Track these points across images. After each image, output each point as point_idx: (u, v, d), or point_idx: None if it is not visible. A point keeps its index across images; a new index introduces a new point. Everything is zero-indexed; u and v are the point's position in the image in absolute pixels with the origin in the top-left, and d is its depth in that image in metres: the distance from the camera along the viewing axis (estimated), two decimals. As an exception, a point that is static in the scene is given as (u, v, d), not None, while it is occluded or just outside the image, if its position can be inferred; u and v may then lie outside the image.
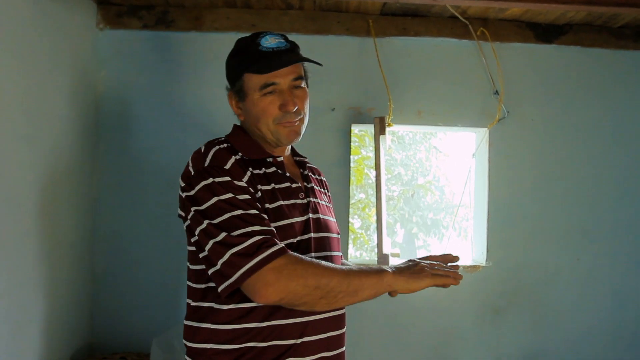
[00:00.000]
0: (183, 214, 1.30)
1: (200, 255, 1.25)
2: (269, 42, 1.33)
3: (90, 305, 2.49)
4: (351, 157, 2.69)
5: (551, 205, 2.69)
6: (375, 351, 2.60)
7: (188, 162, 1.31)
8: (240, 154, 1.32)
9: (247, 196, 1.23)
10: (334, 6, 2.55)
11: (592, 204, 2.71)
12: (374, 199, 7.09)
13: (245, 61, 1.33)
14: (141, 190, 2.52)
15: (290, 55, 1.34)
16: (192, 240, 1.27)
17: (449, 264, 1.52)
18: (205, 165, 1.27)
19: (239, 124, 1.45)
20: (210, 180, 1.23)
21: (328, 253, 1.40)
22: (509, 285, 2.67)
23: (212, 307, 1.26)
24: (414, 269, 1.27)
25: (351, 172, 2.70)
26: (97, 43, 2.53)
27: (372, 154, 6.12)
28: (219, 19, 2.56)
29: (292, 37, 2.58)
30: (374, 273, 1.24)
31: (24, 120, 1.89)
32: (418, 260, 1.32)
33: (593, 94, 2.72)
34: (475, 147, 2.81)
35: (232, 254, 1.16)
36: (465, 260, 2.79)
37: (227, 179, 1.24)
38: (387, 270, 1.24)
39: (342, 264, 1.69)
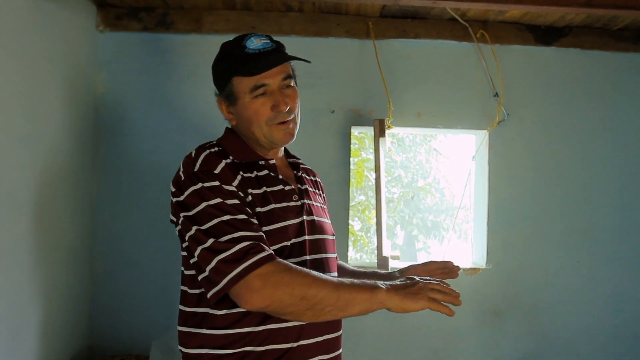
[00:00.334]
0: (175, 219, 1.30)
1: (191, 261, 1.25)
2: (255, 43, 1.32)
3: (89, 308, 2.49)
4: (351, 159, 2.69)
5: (551, 208, 2.69)
6: (374, 354, 2.60)
7: (179, 166, 1.31)
8: (231, 157, 1.31)
9: (236, 201, 1.22)
10: (334, 8, 2.55)
11: (592, 206, 2.71)
12: (373, 201, 7.09)
13: (233, 65, 1.32)
14: (140, 192, 2.52)
15: (277, 55, 1.33)
16: (184, 245, 1.27)
17: (446, 275, 1.56)
18: (195, 170, 1.26)
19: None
20: (200, 185, 1.23)
21: (323, 255, 1.39)
22: (509, 287, 2.66)
23: (207, 313, 1.25)
24: (410, 289, 1.20)
25: (351, 174, 2.70)
26: (97, 45, 2.53)
27: (372, 156, 6.12)
28: (218, 21, 2.56)
29: (291, 39, 2.61)
30: (367, 289, 1.19)
31: (23, 122, 1.89)
32: (418, 279, 1.24)
33: (593, 97, 2.72)
34: (475, 149, 2.81)
35: (219, 261, 1.16)
36: (465, 262, 2.79)
37: (216, 183, 1.23)
38: (381, 287, 1.19)
39: (342, 267, 1.69)
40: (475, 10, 2.48)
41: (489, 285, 2.65)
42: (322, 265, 1.37)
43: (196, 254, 1.20)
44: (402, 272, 1.57)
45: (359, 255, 7.18)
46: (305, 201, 1.39)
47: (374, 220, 3.19)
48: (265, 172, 1.36)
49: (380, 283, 1.21)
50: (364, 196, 8.08)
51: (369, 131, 2.80)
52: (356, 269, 1.67)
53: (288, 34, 2.58)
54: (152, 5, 2.52)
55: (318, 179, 1.61)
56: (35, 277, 1.97)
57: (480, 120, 2.68)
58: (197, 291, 1.27)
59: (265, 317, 1.23)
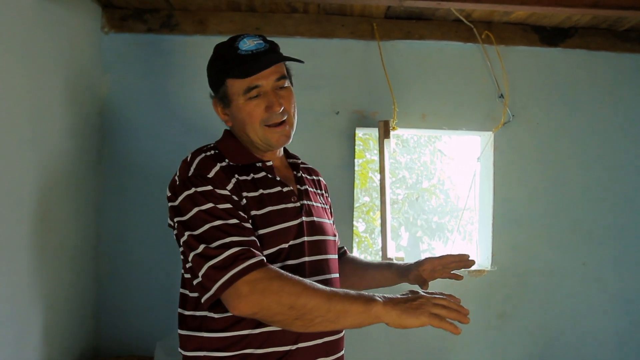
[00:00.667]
0: (172, 224, 1.30)
1: (187, 266, 1.25)
2: (247, 44, 1.31)
3: (93, 309, 2.49)
4: (355, 160, 2.68)
5: (557, 209, 2.68)
6: (377, 356, 2.59)
7: (176, 170, 1.31)
8: (227, 160, 1.31)
9: (228, 205, 1.22)
10: (339, 10, 2.55)
11: (598, 208, 2.69)
12: (378, 203, 7.08)
13: (226, 67, 1.32)
14: (145, 193, 2.52)
15: (270, 55, 1.32)
16: (180, 250, 1.27)
17: (460, 265, 1.53)
18: (190, 174, 1.26)
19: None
20: (193, 190, 1.23)
21: (323, 256, 1.38)
22: (514, 289, 2.65)
23: (206, 316, 1.25)
24: (411, 303, 1.12)
25: (355, 175, 2.69)
26: (102, 46, 2.54)
27: (376, 157, 6.10)
28: (223, 22, 2.56)
29: (296, 40, 2.61)
30: (362, 301, 1.13)
31: (28, 123, 1.89)
32: (422, 293, 1.17)
33: (598, 98, 2.71)
34: (480, 150, 2.80)
35: (209, 267, 1.16)
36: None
37: (209, 188, 1.23)
38: (378, 300, 1.13)
39: (355, 260, 1.68)
40: (480, 11, 2.48)
41: (493, 287, 2.64)
42: (321, 267, 1.36)
43: (189, 259, 1.21)
44: (418, 264, 1.55)
45: (363, 257, 7.18)
46: (305, 202, 1.39)
47: (379, 221, 3.18)
48: (263, 174, 1.35)
49: (378, 296, 1.14)
50: (369, 197, 8.07)
51: (374, 132, 2.80)
52: (371, 261, 1.67)
53: (292, 35, 2.58)
54: (157, 6, 2.53)
55: (320, 178, 1.60)
56: (40, 278, 1.97)
57: (485, 121, 2.67)
58: (196, 294, 1.27)
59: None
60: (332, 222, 1.53)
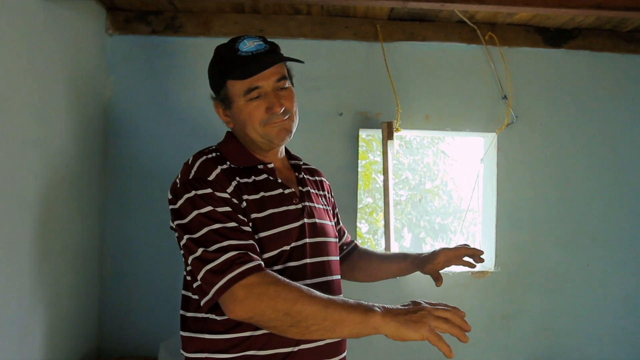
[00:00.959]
0: (173, 226, 1.30)
1: (188, 269, 1.25)
2: (247, 46, 1.32)
3: (97, 309, 2.50)
4: (359, 161, 2.69)
5: (560, 211, 2.68)
6: (379, 357, 2.59)
7: (178, 173, 1.31)
8: (228, 162, 1.31)
9: (227, 208, 1.22)
10: (342, 11, 2.56)
11: (602, 209, 2.69)
12: (381, 204, 7.07)
13: (226, 68, 1.32)
14: (148, 194, 2.53)
15: (270, 56, 1.32)
16: (182, 252, 1.28)
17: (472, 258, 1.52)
18: (190, 177, 1.26)
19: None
20: (193, 193, 1.23)
21: (325, 258, 1.38)
22: (518, 291, 2.65)
23: (208, 318, 1.26)
24: (411, 315, 1.09)
25: (359, 176, 2.69)
26: (106, 48, 2.55)
27: (379, 159, 6.10)
28: (227, 24, 2.57)
29: (299, 42, 2.62)
30: (360, 311, 1.10)
31: (33, 124, 1.90)
32: (424, 305, 1.13)
33: (602, 99, 2.71)
34: (483, 151, 2.80)
35: (207, 271, 1.16)
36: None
37: (209, 191, 1.23)
38: (377, 311, 1.10)
39: (366, 252, 1.69)
40: (483, 12, 2.48)
41: (497, 288, 2.64)
42: (323, 268, 1.37)
43: (189, 262, 1.21)
44: (433, 256, 1.55)
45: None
46: (307, 204, 1.39)
47: (382, 222, 3.18)
48: (264, 176, 1.35)
49: (377, 306, 1.12)
50: (372, 198, 8.06)
51: (377, 134, 2.80)
52: (385, 252, 1.67)
53: (296, 36, 2.58)
54: (161, 8, 2.54)
55: (323, 179, 1.60)
56: (43, 279, 1.98)
57: (488, 122, 2.67)
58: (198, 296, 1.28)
59: None
60: (333, 224, 1.53)
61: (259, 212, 1.28)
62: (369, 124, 2.62)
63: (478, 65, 2.67)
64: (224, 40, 1.39)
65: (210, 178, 1.25)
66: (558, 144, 2.69)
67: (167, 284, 2.50)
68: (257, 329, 1.23)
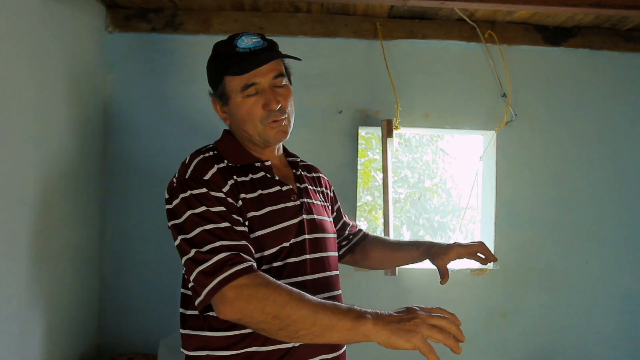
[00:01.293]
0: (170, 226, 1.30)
1: (183, 270, 1.25)
2: (245, 42, 1.32)
3: (97, 307, 2.51)
4: (358, 159, 2.69)
5: (559, 208, 2.68)
6: (379, 353, 2.59)
7: (175, 172, 1.31)
8: (225, 161, 1.31)
9: (222, 208, 1.21)
10: (342, 9, 2.56)
11: (601, 206, 2.70)
12: (380, 202, 7.07)
13: (224, 64, 1.33)
14: (148, 192, 2.53)
15: (268, 53, 1.32)
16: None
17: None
18: (186, 177, 1.26)
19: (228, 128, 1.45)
20: (188, 193, 1.23)
21: (324, 254, 1.38)
22: (516, 288, 2.66)
23: (207, 315, 1.25)
24: (404, 323, 1.04)
25: (358, 174, 2.70)
26: (106, 46, 2.55)
27: (378, 156, 6.11)
28: (227, 21, 2.57)
29: (299, 39, 2.62)
30: (351, 317, 1.07)
31: (33, 122, 1.90)
32: (419, 312, 1.07)
33: (601, 97, 2.71)
34: (482, 149, 2.80)
35: (199, 272, 1.16)
36: (472, 263, 2.78)
37: (204, 190, 1.23)
38: (368, 317, 1.06)
39: (377, 240, 1.68)
40: (483, 10, 2.48)
41: (496, 285, 2.65)
42: (322, 264, 1.37)
43: (182, 263, 1.21)
44: (445, 250, 1.51)
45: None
46: (305, 200, 1.39)
47: (381, 220, 3.19)
48: (262, 174, 1.35)
49: (370, 312, 1.07)
50: (371, 196, 8.06)
51: (376, 131, 2.80)
52: (397, 240, 1.67)
53: (296, 34, 2.59)
54: (161, 6, 2.54)
55: (321, 175, 1.60)
56: (43, 277, 1.98)
57: (488, 120, 2.67)
58: None
59: None
60: (332, 220, 1.54)
61: (257, 210, 1.28)
62: (369, 121, 2.63)
63: (477, 63, 2.67)
64: (224, 38, 1.39)
65: (206, 177, 1.25)
66: (557, 141, 2.69)
67: (166, 281, 2.51)
68: None
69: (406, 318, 1.05)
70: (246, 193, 1.28)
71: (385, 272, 2.46)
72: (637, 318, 2.70)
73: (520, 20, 2.62)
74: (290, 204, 1.34)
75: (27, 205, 1.86)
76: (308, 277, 1.32)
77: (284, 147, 1.52)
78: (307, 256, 1.33)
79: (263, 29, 2.57)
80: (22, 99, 1.82)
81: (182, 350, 1.33)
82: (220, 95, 1.38)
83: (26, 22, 1.84)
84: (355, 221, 1.81)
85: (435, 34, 2.64)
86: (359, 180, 2.72)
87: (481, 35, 2.62)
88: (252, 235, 1.26)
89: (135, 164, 2.55)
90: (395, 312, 1.08)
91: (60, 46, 2.10)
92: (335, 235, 1.51)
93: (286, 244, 1.29)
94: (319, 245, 1.37)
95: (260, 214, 1.28)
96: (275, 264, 1.28)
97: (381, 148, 2.63)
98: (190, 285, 1.21)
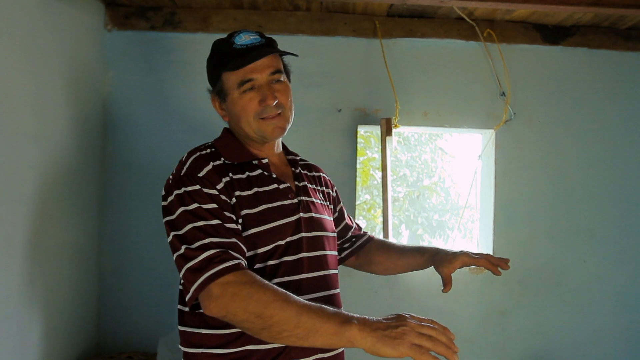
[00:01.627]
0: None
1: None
2: (243, 39, 1.32)
3: (96, 305, 2.51)
4: (357, 158, 2.69)
5: (558, 207, 2.69)
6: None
7: (173, 170, 1.32)
8: (222, 158, 1.32)
9: (214, 205, 1.22)
10: (341, 7, 2.56)
11: (599, 206, 2.70)
12: (379, 200, 7.07)
13: (221, 61, 1.33)
14: (147, 190, 2.53)
15: (264, 49, 1.32)
16: None
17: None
18: (182, 174, 1.27)
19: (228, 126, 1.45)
20: (182, 190, 1.23)
21: (322, 252, 1.38)
22: (515, 287, 2.66)
23: (203, 312, 1.23)
24: (391, 331, 1.00)
25: (357, 173, 2.70)
26: (105, 44, 2.55)
27: (377, 155, 6.11)
28: (226, 20, 2.57)
29: (298, 38, 2.62)
30: (336, 321, 1.04)
31: (32, 120, 1.90)
32: (408, 319, 1.03)
33: (600, 96, 2.72)
34: (481, 148, 2.81)
35: (187, 269, 1.17)
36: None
37: (197, 187, 1.23)
38: (353, 323, 1.02)
39: (382, 244, 1.65)
40: (482, 9, 2.48)
41: (494, 284, 2.65)
42: (320, 263, 1.36)
43: (174, 259, 1.22)
44: (451, 259, 1.45)
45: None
46: (303, 198, 1.39)
47: (380, 219, 3.19)
48: (259, 171, 1.35)
49: (356, 318, 1.04)
50: (369, 195, 8.06)
51: (375, 130, 2.80)
52: (403, 245, 1.65)
53: (295, 32, 2.58)
54: (160, 4, 2.53)
55: (322, 174, 1.59)
56: (42, 274, 1.98)
57: (487, 119, 2.67)
58: None
59: None
60: (332, 219, 1.53)
61: (252, 207, 1.28)
62: (368, 120, 2.63)
63: (476, 62, 2.67)
64: (223, 36, 1.39)
65: (200, 174, 1.25)
66: (556, 140, 2.69)
67: (166, 279, 2.51)
68: None
69: (394, 325, 1.01)
70: (241, 190, 1.28)
71: (384, 271, 2.46)
72: (635, 316, 2.70)
73: (519, 19, 2.62)
74: (287, 202, 1.34)
75: (25, 203, 1.86)
76: (304, 276, 1.31)
77: (284, 145, 1.52)
78: (304, 254, 1.32)
79: (262, 27, 2.56)
80: (21, 97, 1.82)
81: (180, 347, 1.33)
82: (218, 92, 1.38)
83: (25, 21, 1.84)
84: (358, 223, 1.78)
85: (435, 33, 2.64)
86: (358, 179, 2.72)
87: (480, 34, 2.62)
88: (246, 233, 1.26)
89: (134, 162, 2.55)
90: (384, 319, 1.04)
91: (59, 44, 2.10)
92: (335, 235, 1.51)
93: (281, 242, 1.29)
94: (317, 243, 1.37)
95: (255, 212, 1.28)
96: (271, 262, 1.27)
97: (380, 146, 2.63)
98: (181, 281, 1.21)
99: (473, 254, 1.46)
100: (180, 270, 1.19)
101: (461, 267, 1.46)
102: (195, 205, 1.21)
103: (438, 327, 1.02)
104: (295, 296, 1.10)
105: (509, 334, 2.66)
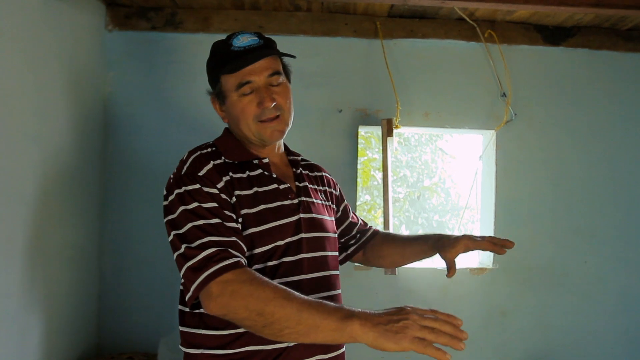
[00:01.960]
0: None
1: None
2: (241, 41, 1.32)
3: (97, 306, 2.51)
4: (358, 158, 2.69)
5: (558, 208, 2.69)
6: (378, 353, 2.59)
7: (174, 169, 1.32)
8: (223, 157, 1.32)
9: (214, 204, 1.21)
10: (342, 8, 2.56)
11: (600, 206, 2.70)
12: (379, 201, 7.06)
13: (219, 63, 1.33)
14: (148, 190, 2.53)
15: (262, 51, 1.32)
16: None
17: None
18: (182, 173, 1.27)
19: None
20: (183, 189, 1.23)
21: (322, 253, 1.37)
22: (516, 287, 2.66)
23: (204, 313, 1.25)
24: (393, 325, 0.99)
25: (358, 173, 2.70)
26: (106, 44, 2.55)
27: (378, 156, 6.11)
28: (227, 20, 2.57)
29: (299, 38, 2.62)
30: (337, 317, 1.03)
31: (32, 120, 1.90)
32: (410, 312, 1.02)
33: (601, 97, 2.72)
34: (482, 149, 2.81)
35: (187, 268, 1.16)
36: (471, 262, 2.79)
37: (197, 186, 1.23)
38: (355, 318, 1.01)
39: (387, 237, 1.65)
40: (483, 10, 2.48)
41: (495, 285, 2.65)
42: (320, 263, 1.36)
43: (174, 258, 1.22)
44: (453, 243, 1.45)
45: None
46: (303, 199, 1.38)
47: (381, 219, 3.19)
48: (259, 171, 1.35)
49: (357, 312, 1.03)
50: (370, 196, 8.06)
51: (376, 130, 2.80)
52: (407, 235, 1.65)
53: (296, 33, 2.58)
54: (161, 4, 2.53)
55: (324, 174, 1.59)
56: (43, 275, 1.98)
57: (487, 120, 2.67)
58: None
59: None
60: (334, 220, 1.52)
61: (251, 207, 1.27)
62: (369, 121, 2.63)
63: (477, 63, 2.68)
64: (224, 36, 1.39)
65: (201, 173, 1.25)
66: (556, 141, 2.69)
67: (167, 279, 2.51)
68: None
69: (395, 319, 1.00)
70: (241, 190, 1.28)
71: (385, 272, 2.46)
72: (636, 317, 2.70)
73: (520, 19, 2.62)
74: (287, 202, 1.34)
75: (26, 204, 1.86)
76: (304, 277, 1.31)
77: (285, 146, 1.52)
78: (304, 255, 1.32)
79: (262, 27, 2.56)
80: (22, 97, 1.82)
81: (180, 347, 1.33)
82: (218, 94, 1.38)
83: (26, 21, 1.84)
84: (363, 219, 1.78)
85: (435, 34, 2.64)
86: (359, 180, 2.72)
87: (481, 34, 2.62)
88: (245, 233, 1.25)
89: (134, 162, 2.55)
90: (385, 313, 1.03)
91: (60, 44, 2.10)
92: (336, 235, 1.50)
93: (280, 243, 1.29)
94: (317, 244, 1.36)
95: (254, 212, 1.28)
96: (270, 263, 1.27)
97: (381, 147, 2.63)
98: (181, 281, 1.21)
99: (475, 237, 1.45)
100: (180, 270, 1.19)
101: (465, 252, 1.45)
102: (196, 204, 1.21)
103: (441, 318, 1.01)
104: (296, 293, 1.10)
105: (510, 334, 2.66)
